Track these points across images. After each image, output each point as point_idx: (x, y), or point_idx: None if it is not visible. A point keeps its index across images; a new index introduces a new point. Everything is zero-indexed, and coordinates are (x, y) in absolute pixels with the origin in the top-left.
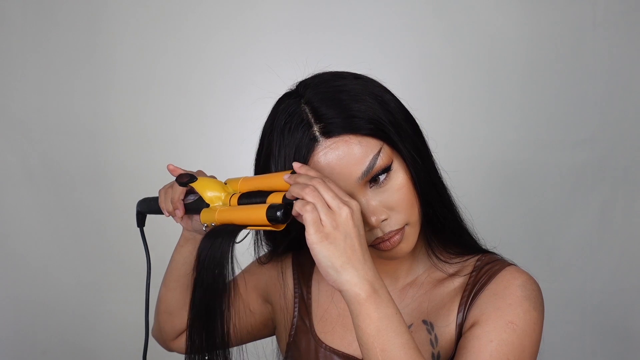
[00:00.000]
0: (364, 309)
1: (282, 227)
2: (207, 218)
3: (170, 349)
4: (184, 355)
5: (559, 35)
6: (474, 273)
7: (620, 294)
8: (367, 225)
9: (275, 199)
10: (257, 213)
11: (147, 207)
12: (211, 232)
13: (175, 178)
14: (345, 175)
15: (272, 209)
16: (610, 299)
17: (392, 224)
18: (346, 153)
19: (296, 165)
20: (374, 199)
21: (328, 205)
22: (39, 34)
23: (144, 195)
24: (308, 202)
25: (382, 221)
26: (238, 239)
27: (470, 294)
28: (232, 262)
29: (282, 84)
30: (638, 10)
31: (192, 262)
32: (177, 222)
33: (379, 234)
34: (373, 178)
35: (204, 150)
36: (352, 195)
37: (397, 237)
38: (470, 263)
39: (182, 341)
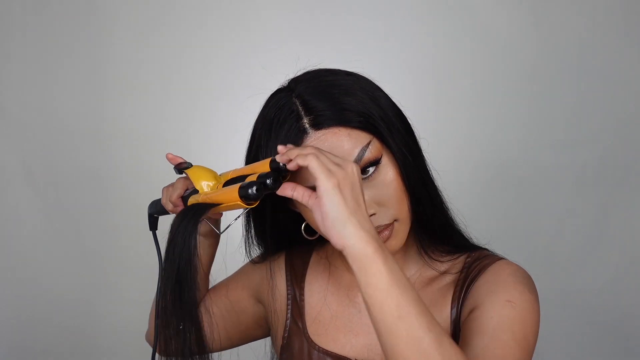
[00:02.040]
0: (373, 263)
1: (254, 204)
2: (193, 202)
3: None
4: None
5: (558, 35)
6: (464, 269)
7: (620, 294)
8: None
9: (251, 179)
10: (231, 192)
11: (155, 209)
12: (183, 210)
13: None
14: None
15: (243, 187)
16: (610, 299)
17: (381, 219)
18: (335, 145)
19: (281, 147)
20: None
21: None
22: (38, 34)
23: (143, 194)
24: (308, 152)
25: (371, 216)
26: (221, 228)
27: (462, 289)
28: (197, 235)
29: (277, 82)
30: (638, 11)
31: None
32: None
33: None
34: (362, 171)
35: (206, 150)
36: None
37: (386, 232)
38: (460, 260)
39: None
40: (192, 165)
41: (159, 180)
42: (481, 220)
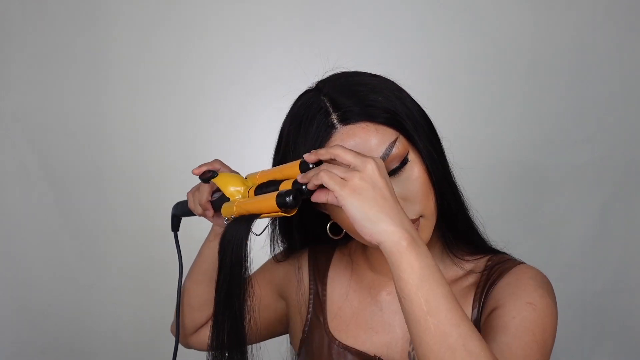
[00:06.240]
0: (405, 258)
1: (293, 212)
2: (228, 211)
3: (188, 345)
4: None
5: (559, 35)
6: (485, 271)
7: (620, 294)
8: None
9: (286, 186)
10: (269, 201)
11: (181, 211)
12: (231, 223)
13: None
14: None
15: (280, 196)
16: (611, 299)
17: (407, 214)
18: (363, 140)
19: (307, 156)
20: None
21: (351, 164)
22: (38, 34)
23: (143, 196)
24: (319, 171)
25: None
26: (258, 230)
27: (483, 291)
28: (248, 248)
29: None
30: (639, 10)
31: None
32: (209, 220)
33: None
34: (390, 170)
35: (207, 150)
36: None
37: None
38: (481, 262)
39: (200, 336)
40: (217, 174)
41: (160, 181)
42: (480, 220)
